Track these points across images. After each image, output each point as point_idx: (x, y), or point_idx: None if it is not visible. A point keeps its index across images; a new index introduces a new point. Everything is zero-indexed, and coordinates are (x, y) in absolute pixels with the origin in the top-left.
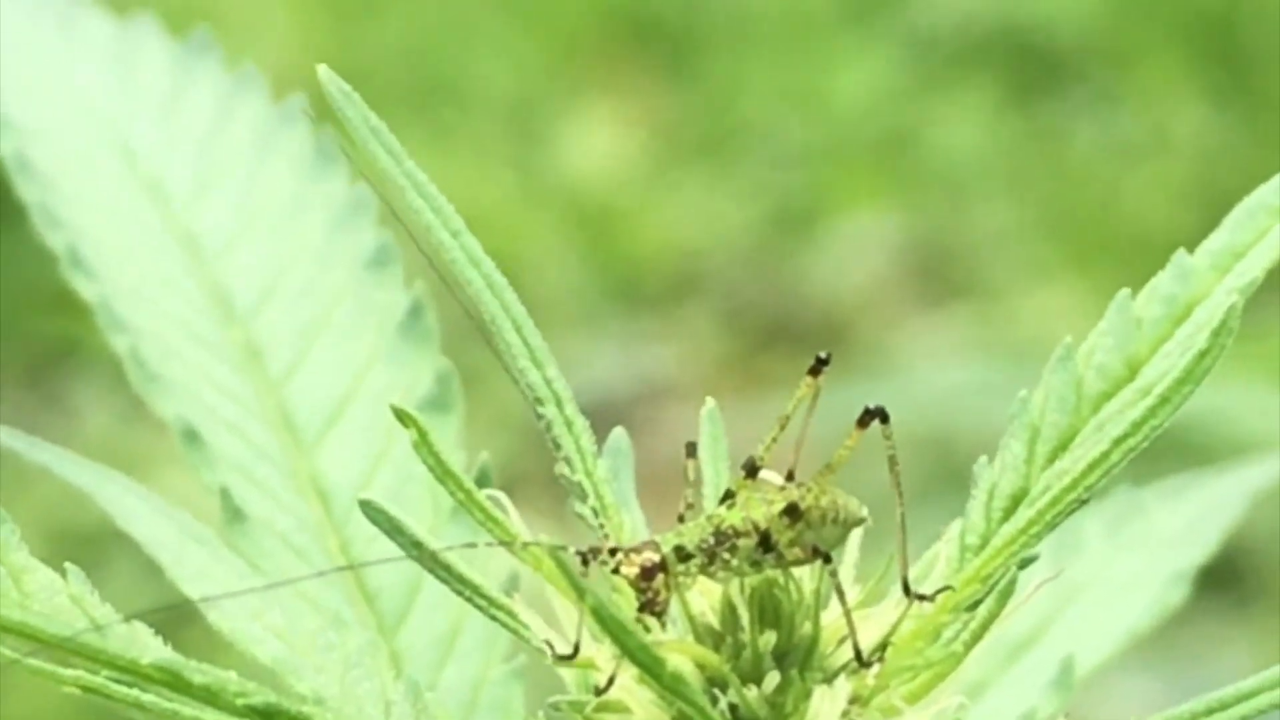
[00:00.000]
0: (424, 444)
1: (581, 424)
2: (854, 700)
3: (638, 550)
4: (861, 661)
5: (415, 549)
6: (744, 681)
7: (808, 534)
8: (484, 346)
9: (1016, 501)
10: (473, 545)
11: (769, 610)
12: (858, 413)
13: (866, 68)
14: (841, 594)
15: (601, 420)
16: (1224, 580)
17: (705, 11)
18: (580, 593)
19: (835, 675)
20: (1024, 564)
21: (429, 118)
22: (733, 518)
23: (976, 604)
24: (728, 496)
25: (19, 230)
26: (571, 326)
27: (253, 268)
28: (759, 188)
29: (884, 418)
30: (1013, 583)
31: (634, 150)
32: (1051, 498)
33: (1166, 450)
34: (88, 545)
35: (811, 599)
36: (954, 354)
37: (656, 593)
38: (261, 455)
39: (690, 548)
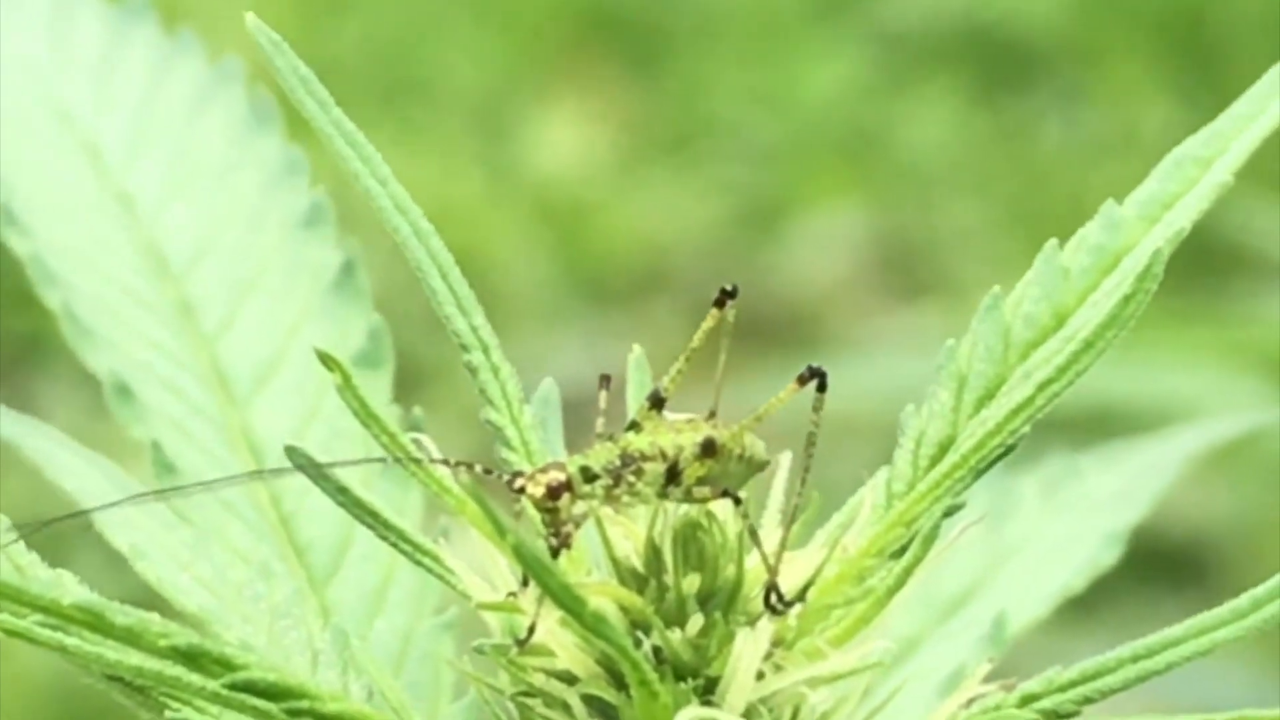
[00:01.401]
0: (348, 388)
1: (508, 370)
2: (777, 643)
3: (543, 470)
4: (770, 605)
5: (340, 495)
6: (667, 624)
7: (714, 469)
8: (450, 343)
9: (944, 449)
10: (381, 460)
11: (693, 553)
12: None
13: (834, 64)
14: (755, 535)
15: (567, 415)
16: (1187, 573)
17: (672, 8)
18: (501, 531)
19: (759, 618)
20: (950, 512)
21: (396, 114)
22: (640, 443)
23: (901, 550)
24: (632, 426)
25: None
26: (538, 322)
27: (187, 226)
28: (726, 184)
29: (822, 384)
30: (936, 528)
31: (601, 146)
32: (975, 442)
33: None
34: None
35: (735, 542)
36: (919, 348)
37: (561, 516)
38: (194, 410)
39: (596, 469)
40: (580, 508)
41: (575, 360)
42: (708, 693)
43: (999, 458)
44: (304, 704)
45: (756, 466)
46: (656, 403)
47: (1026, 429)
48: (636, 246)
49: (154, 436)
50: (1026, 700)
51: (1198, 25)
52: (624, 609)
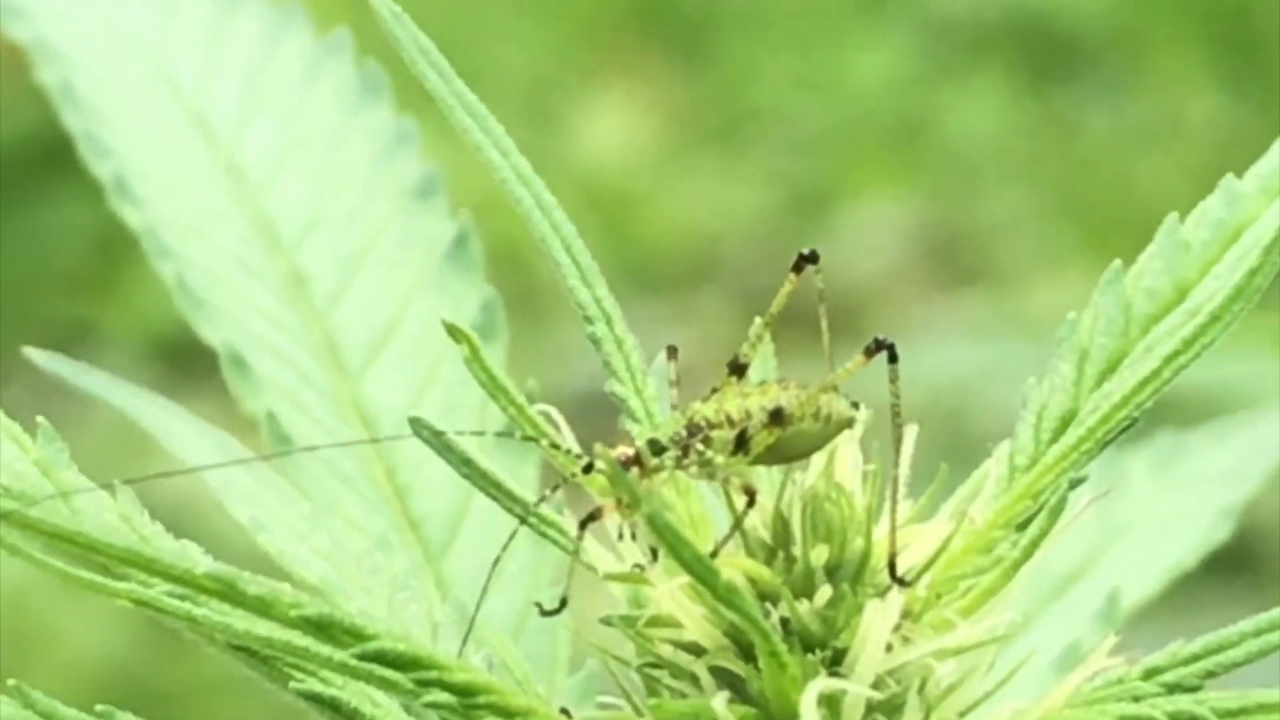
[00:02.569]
0: (476, 359)
1: (631, 342)
2: (906, 615)
3: (612, 446)
4: (895, 577)
5: (465, 466)
6: (795, 596)
7: (791, 431)
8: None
9: (1065, 423)
10: (508, 435)
11: (821, 524)
12: (871, 396)
13: (880, 53)
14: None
15: (608, 406)
16: (1238, 564)
17: None
18: (636, 502)
19: (887, 590)
20: (1074, 485)
21: (425, 106)
22: (705, 410)
23: (1026, 523)
24: (712, 393)
25: (30, 212)
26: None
27: (297, 198)
28: (773, 173)
29: (893, 355)
30: (1063, 500)
31: (648, 135)
32: (1102, 415)
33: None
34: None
35: (863, 513)
36: (967, 337)
37: (630, 487)
38: (307, 382)
39: (664, 440)
40: (654, 480)
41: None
42: (835, 664)
43: (1123, 430)
44: (433, 674)
45: (839, 425)
46: (737, 369)
47: (1150, 402)
48: (683, 235)
49: (269, 408)
50: (1150, 674)
51: (1244, 14)
52: (752, 580)
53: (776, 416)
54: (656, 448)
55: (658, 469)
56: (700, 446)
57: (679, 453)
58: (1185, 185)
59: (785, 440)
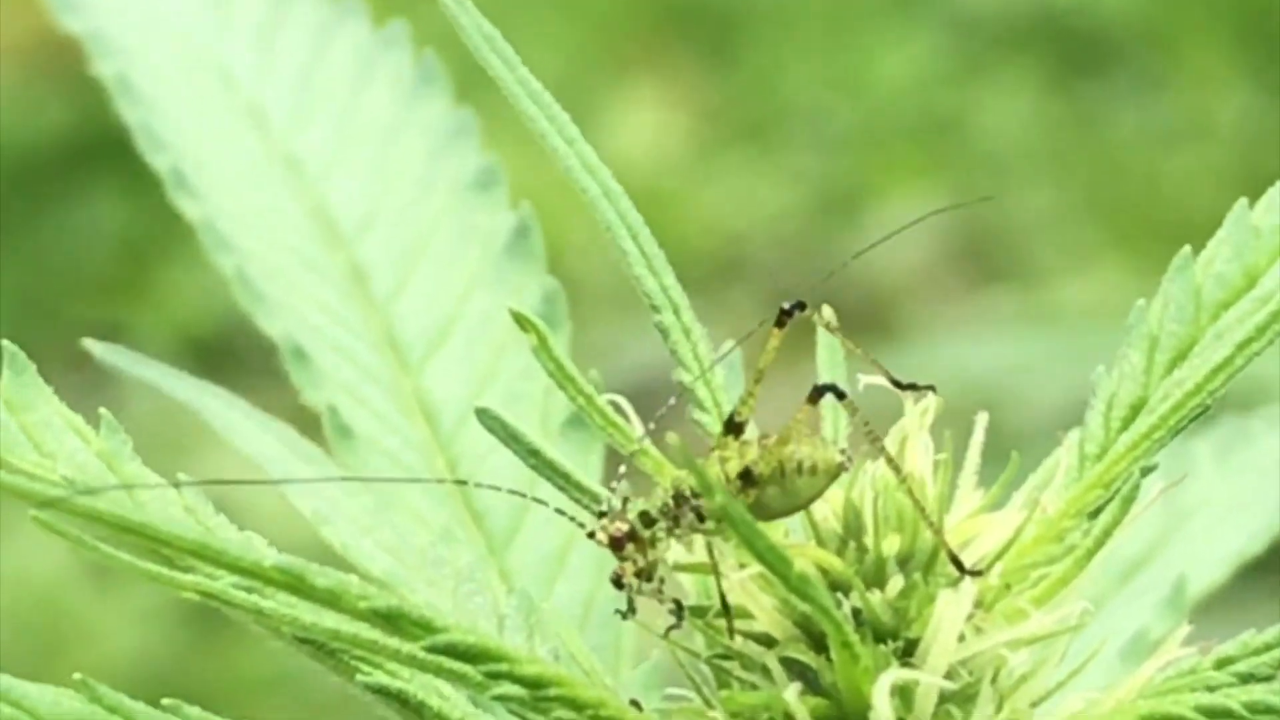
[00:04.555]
0: (544, 348)
1: (699, 331)
2: (978, 604)
3: (611, 518)
4: (961, 568)
5: (532, 457)
6: (867, 586)
7: (769, 490)
8: None
9: (1135, 411)
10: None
11: (892, 514)
12: (903, 393)
13: (909, 52)
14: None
15: (647, 403)
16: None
17: None
18: (710, 491)
19: (959, 580)
20: (1146, 472)
21: (474, 102)
22: (689, 480)
23: (1097, 511)
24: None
25: (59, 215)
26: (616, 310)
27: (355, 191)
28: (802, 172)
29: (839, 394)
30: (1135, 488)
31: (678, 135)
32: (1174, 403)
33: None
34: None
35: (935, 503)
36: (996, 334)
37: (631, 560)
38: (367, 375)
39: (654, 513)
40: (656, 550)
41: (652, 347)
42: (907, 655)
43: (1196, 417)
44: (503, 667)
45: (828, 474)
46: (734, 429)
47: (1223, 390)
48: (713, 234)
49: (330, 401)
50: (1222, 664)
51: (1272, 12)
52: (823, 570)
53: (746, 478)
54: (648, 520)
55: (654, 540)
56: (690, 514)
57: (670, 523)
58: (1213, 184)
59: (772, 498)
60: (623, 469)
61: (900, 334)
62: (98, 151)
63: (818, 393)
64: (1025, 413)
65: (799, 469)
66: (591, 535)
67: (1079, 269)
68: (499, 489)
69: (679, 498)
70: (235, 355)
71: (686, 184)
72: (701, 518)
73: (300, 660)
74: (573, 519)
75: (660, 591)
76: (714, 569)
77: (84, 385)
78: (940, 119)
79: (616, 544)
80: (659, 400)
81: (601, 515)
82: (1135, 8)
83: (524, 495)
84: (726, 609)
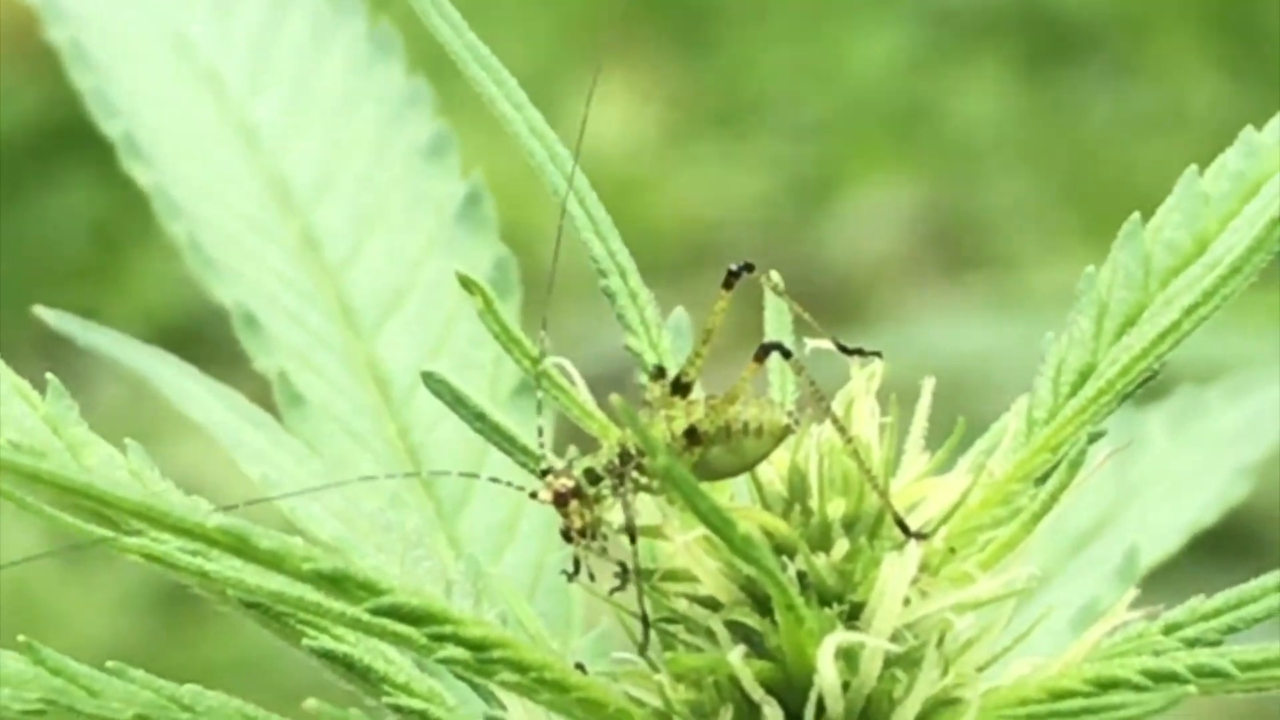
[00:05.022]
0: (490, 312)
1: (646, 295)
2: (924, 568)
3: (556, 475)
4: (906, 531)
5: (478, 421)
6: (812, 549)
7: (714, 450)
8: None
9: (1084, 376)
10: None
11: (838, 477)
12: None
13: (882, 39)
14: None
15: (612, 390)
16: (1243, 549)
17: None
18: (653, 452)
19: (904, 543)
20: (1094, 439)
21: (443, 88)
22: (634, 437)
23: (1044, 477)
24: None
25: (32, 201)
26: (585, 298)
27: (309, 158)
28: (775, 159)
29: (785, 353)
30: (1083, 453)
31: (649, 122)
32: (1121, 367)
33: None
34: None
35: (880, 466)
36: (968, 321)
37: (575, 515)
38: (320, 342)
39: (599, 469)
40: (601, 506)
41: (622, 335)
42: (853, 618)
43: (1143, 383)
44: (447, 629)
45: (774, 436)
46: (680, 389)
47: (1171, 355)
48: (684, 222)
49: (281, 367)
50: (1170, 629)
51: (1245, 0)
52: (768, 534)
53: (692, 436)
54: (593, 477)
55: (599, 497)
56: (635, 473)
57: (615, 480)
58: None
59: (717, 457)
60: (542, 417)
61: (874, 320)
62: (70, 138)
63: (764, 351)
64: (997, 398)
65: (745, 429)
66: (534, 495)
67: (1052, 256)
68: (449, 474)
69: (624, 455)
70: (206, 343)
71: (658, 172)
72: (646, 476)
73: (270, 645)
74: (512, 484)
75: (605, 551)
76: (630, 530)
77: (52, 372)
78: (913, 106)
79: (560, 500)
80: (625, 388)
81: (545, 474)
82: None
83: (475, 476)
84: (637, 572)
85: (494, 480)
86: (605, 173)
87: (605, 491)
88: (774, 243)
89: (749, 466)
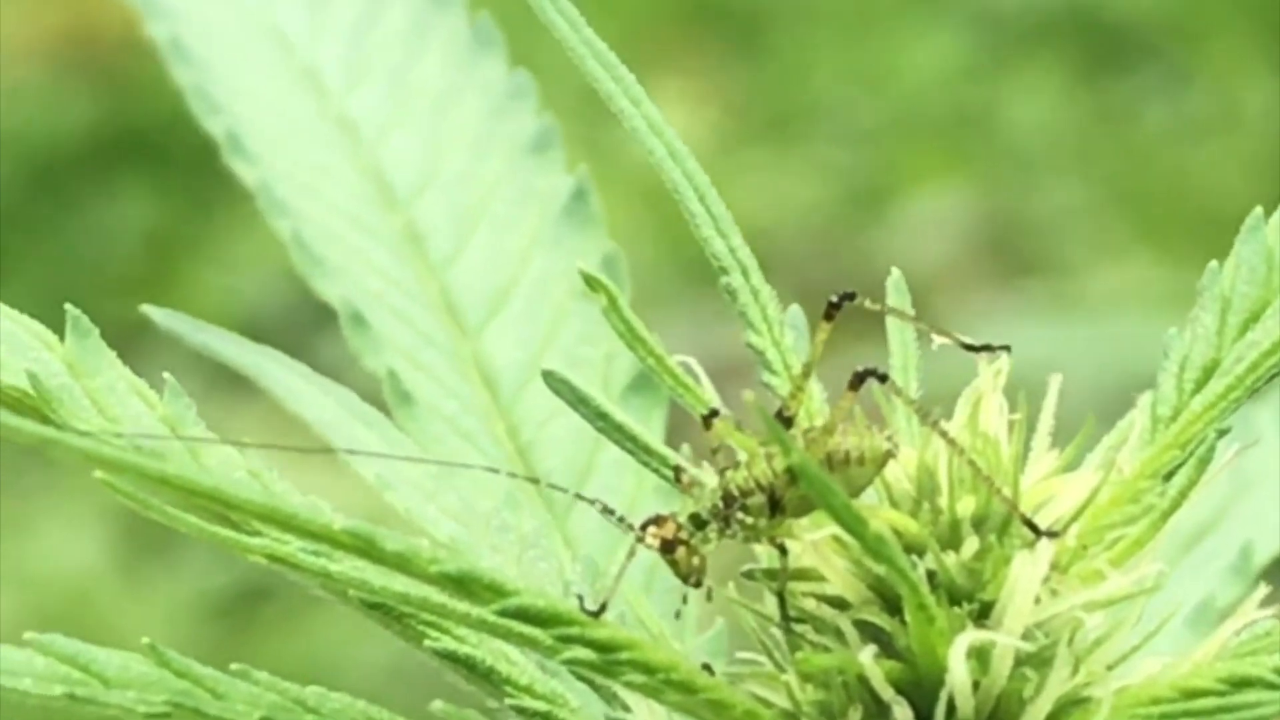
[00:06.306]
0: (614, 308)
1: (768, 293)
2: (1054, 566)
3: (658, 524)
4: (1035, 529)
5: (600, 419)
6: (942, 548)
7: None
8: None
9: (1208, 373)
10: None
11: (966, 476)
12: (934, 383)
13: (935, 45)
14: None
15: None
16: None
17: None
18: (785, 449)
19: (1035, 541)
20: (1221, 434)
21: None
22: (737, 479)
23: (1171, 474)
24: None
25: (87, 211)
26: (643, 306)
27: (411, 154)
28: (829, 166)
29: (881, 378)
30: (1211, 449)
31: (703, 129)
32: (1249, 363)
33: None
34: None
35: (1010, 464)
36: (1026, 325)
37: (682, 563)
38: (426, 340)
39: (704, 514)
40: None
41: (681, 342)
42: (983, 617)
43: (1271, 379)
44: (574, 630)
45: (876, 463)
46: (784, 423)
47: None
48: (740, 228)
49: (389, 365)
50: None
51: None
52: (897, 533)
53: (791, 474)
54: (699, 522)
55: (705, 542)
56: (740, 514)
57: (721, 524)
58: (1241, 175)
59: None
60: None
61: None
62: (123, 149)
63: (858, 379)
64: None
65: (847, 459)
66: (640, 540)
67: (1108, 261)
68: (565, 491)
69: (728, 498)
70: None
71: (712, 179)
72: (751, 516)
73: (327, 657)
74: (620, 519)
75: (710, 595)
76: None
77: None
78: (967, 113)
79: (667, 547)
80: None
81: (649, 524)
82: (1161, 1)
83: (591, 502)
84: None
85: (605, 514)
86: (660, 181)
87: (711, 535)
88: (828, 250)
89: (855, 495)
